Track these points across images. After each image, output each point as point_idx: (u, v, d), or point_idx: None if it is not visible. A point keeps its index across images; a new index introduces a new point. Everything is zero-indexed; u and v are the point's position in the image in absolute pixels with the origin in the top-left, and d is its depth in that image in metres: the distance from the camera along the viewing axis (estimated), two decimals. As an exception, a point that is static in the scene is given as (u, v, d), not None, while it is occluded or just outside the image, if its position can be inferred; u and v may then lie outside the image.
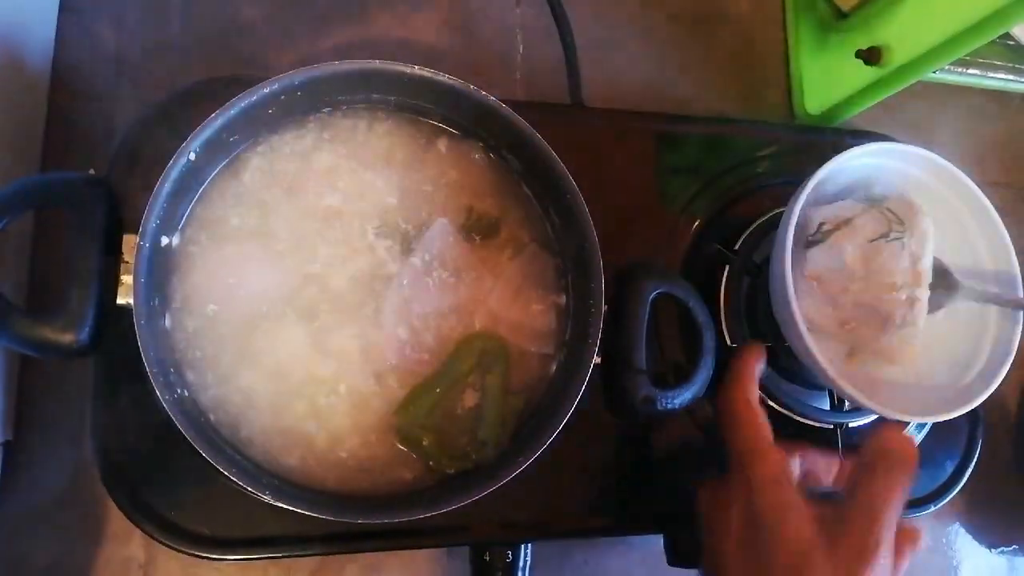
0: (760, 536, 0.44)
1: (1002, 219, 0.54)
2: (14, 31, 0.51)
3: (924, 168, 0.54)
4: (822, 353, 0.48)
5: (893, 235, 0.52)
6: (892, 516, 0.43)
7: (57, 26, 0.56)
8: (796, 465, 0.49)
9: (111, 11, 0.58)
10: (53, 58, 0.56)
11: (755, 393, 0.49)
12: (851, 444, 0.59)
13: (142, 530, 0.47)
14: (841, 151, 0.51)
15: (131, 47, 0.58)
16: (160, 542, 0.46)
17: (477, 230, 0.49)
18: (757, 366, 0.50)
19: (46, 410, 0.52)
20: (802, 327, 0.48)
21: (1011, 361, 0.51)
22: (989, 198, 0.54)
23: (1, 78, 0.49)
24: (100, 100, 0.56)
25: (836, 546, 0.42)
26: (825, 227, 0.53)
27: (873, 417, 0.58)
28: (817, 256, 0.53)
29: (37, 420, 0.52)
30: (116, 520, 0.52)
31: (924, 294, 0.51)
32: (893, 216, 0.52)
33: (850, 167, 0.52)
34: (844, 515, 0.43)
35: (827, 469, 0.51)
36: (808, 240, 0.54)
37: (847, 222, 0.53)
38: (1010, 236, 0.53)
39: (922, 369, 0.54)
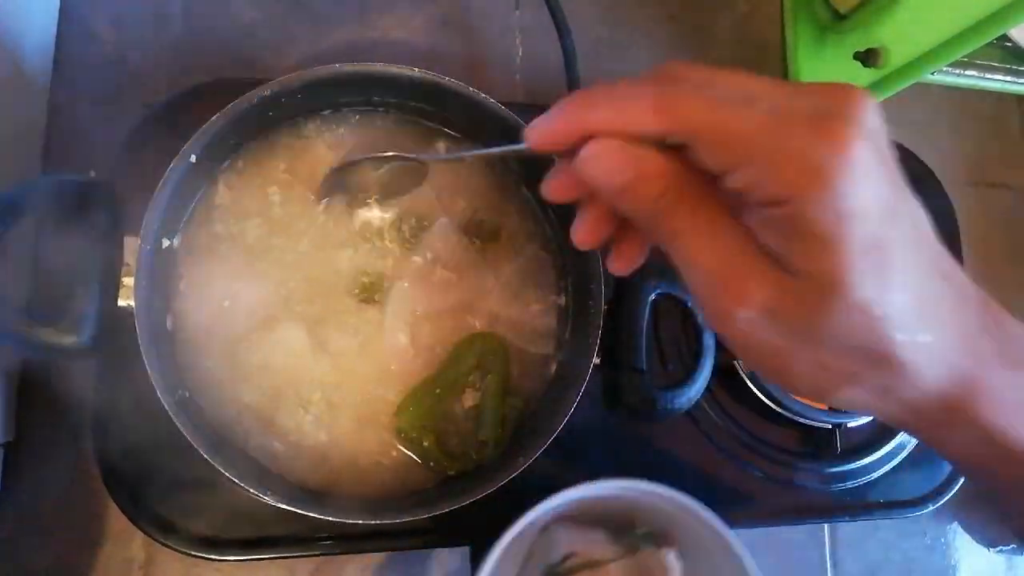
0: None
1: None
2: (14, 32, 0.51)
3: (676, 507, 0.46)
4: None
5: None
6: None
7: (57, 27, 0.56)
8: None
9: (111, 12, 0.58)
10: (54, 59, 0.56)
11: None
12: (849, 447, 0.59)
13: (142, 531, 0.47)
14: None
15: (132, 48, 0.58)
16: (160, 543, 0.47)
17: (477, 232, 0.49)
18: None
19: (47, 411, 0.52)
20: None
21: None
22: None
23: (1, 79, 0.49)
24: (101, 102, 0.56)
25: None
26: (569, 562, 0.47)
27: (871, 418, 0.58)
28: None
29: (38, 421, 0.52)
30: (116, 520, 0.52)
31: None
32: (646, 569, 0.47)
33: (602, 495, 0.45)
34: None
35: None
36: (549, 569, 0.47)
37: (596, 565, 0.47)
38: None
39: None
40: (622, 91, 0.27)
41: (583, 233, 0.32)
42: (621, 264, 0.33)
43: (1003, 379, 0.28)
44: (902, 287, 0.25)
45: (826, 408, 0.58)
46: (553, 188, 0.32)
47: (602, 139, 0.27)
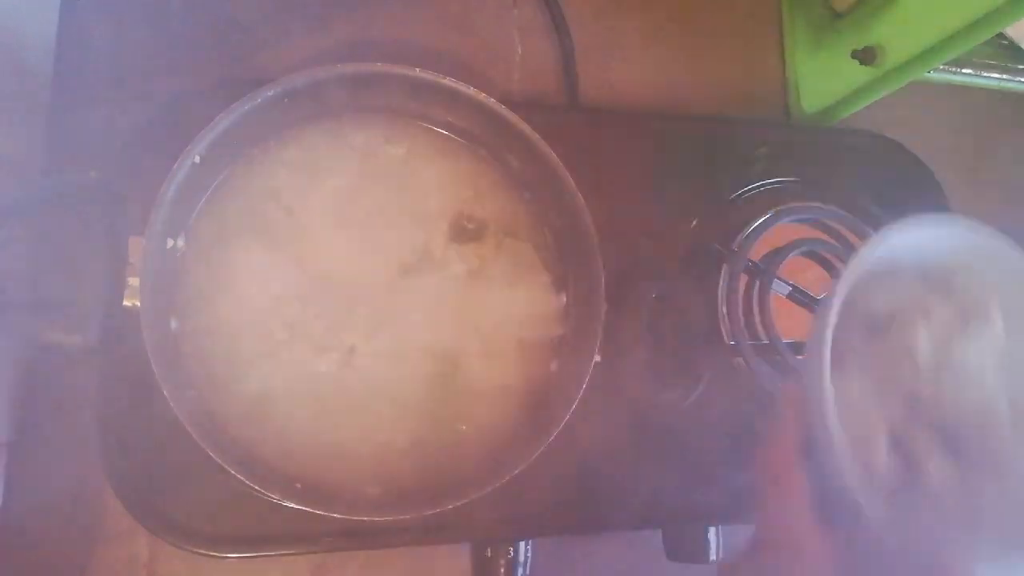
0: None
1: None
2: (15, 33, 0.51)
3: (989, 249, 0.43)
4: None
5: (972, 332, 0.43)
6: None
7: (58, 26, 0.56)
8: None
9: (112, 12, 0.58)
10: (54, 59, 0.56)
11: (795, 451, 0.36)
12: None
13: (146, 528, 0.47)
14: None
15: (133, 48, 0.58)
16: (164, 540, 0.47)
17: (476, 235, 0.50)
18: (800, 410, 0.37)
19: (51, 407, 0.52)
20: (840, 452, 0.36)
21: None
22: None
23: (2, 80, 0.49)
24: (102, 101, 0.56)
25: None
26: (890, 314, 0.43)
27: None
28: (878, 350, 0.42)
29: (42, 418, 0.52)
30: (120, 518, 0.52)
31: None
32: (971, 306, 0.43)
33: (904, 243, 0.42)
34: None
35: None
36: (869, 320, 0.44)
37: (924, 312, 0.43)
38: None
39: None
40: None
41: None
42: None
43: None
44: None
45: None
46: None
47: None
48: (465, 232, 0.50)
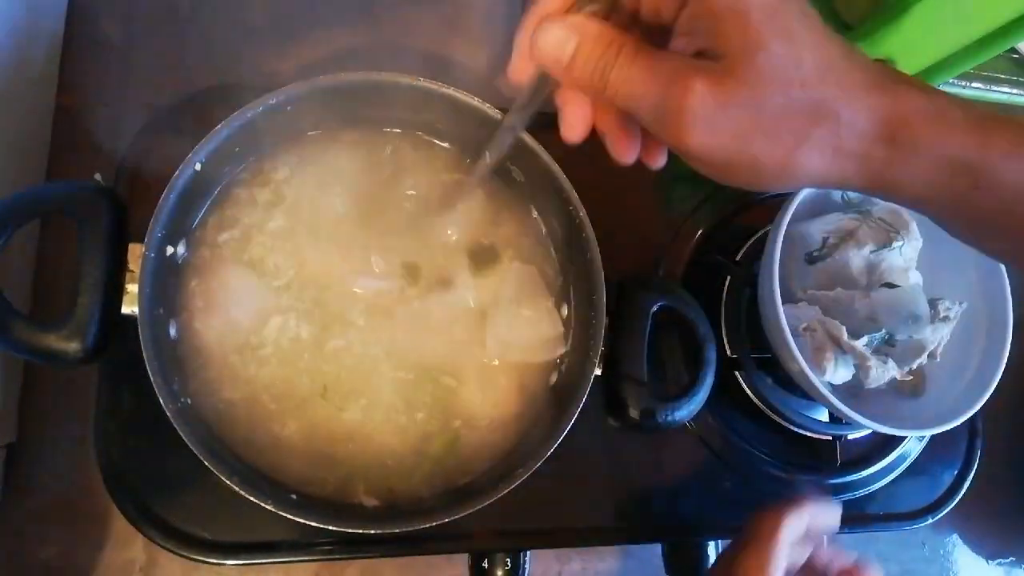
0: None
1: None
2: (22, 34, 0.51)
3: None
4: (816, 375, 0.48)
5: (895, 244, 0.54)
6: None
7: (65, 30, 0.57)
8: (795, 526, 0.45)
9: (119, 14, 0.58)
10: (60, 61, 0.56)
11: (780, 567, 0.42)
12: (850, 459, 0.59)
13: (143, 534, 0.47)
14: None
15: (139, 51, 0.58)
16: (161, 546, 0.47)
17: (480, 257, 0.49)
18: (793, 528, 0.43)
19: (49, 413, 0.52)
20: (795, 351, 0.48)
21: (1000, 372, 0.51)
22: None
23: (8, 81, 0.49)
24: (108, 104, 0.57)
25: None
26: (830, 241, 0.54)
27: (870, 431, 0.58)
28: (822, 270, 0.53)
29: (40, 423, 0.52)
30: (118, 523, 0.52)
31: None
32: (889, 226, 0.53)
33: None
34: None
35: (831, 519, 0.48)
36: (813, 256, 0.54)
37: (851, 234, 0.54)
38: None
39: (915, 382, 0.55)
40: None
41: (567, 127, 0.36)
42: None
43: (923, 102, 0.30)
44: (810, 45, 0.29)
45: (826, 420, 0.58)
46: (566, 127, 0.35)
47: (546, 22, 0.32)
48: (478, 255, 0.50)
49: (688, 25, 0.31)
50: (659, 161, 0.36)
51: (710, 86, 0.29)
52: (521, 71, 0.34)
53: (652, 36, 0.32)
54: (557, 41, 0.31)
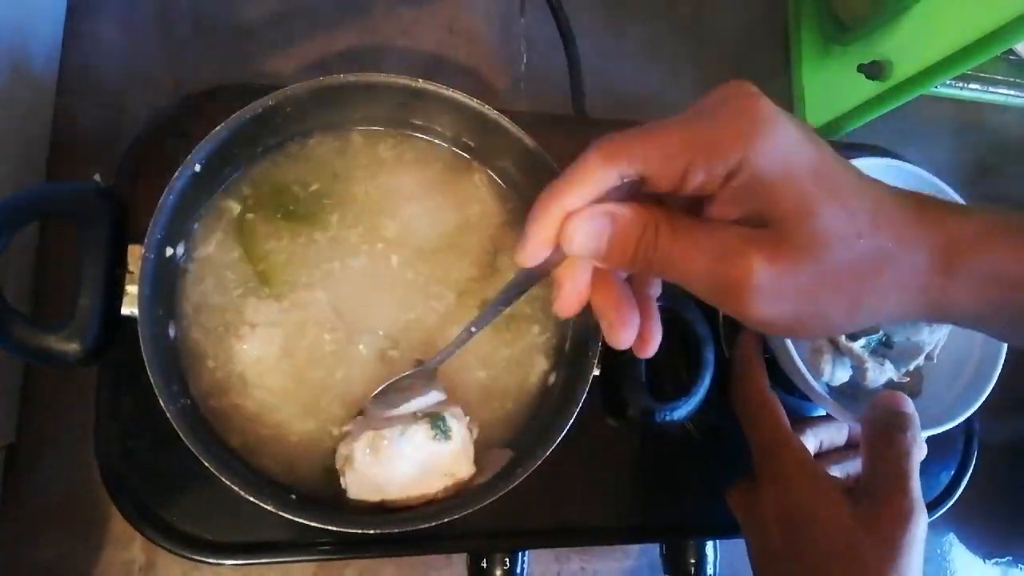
0: (801, 529, 0.44)
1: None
2: (21, 34, 0.51)
3: (918, 186, 0.53)
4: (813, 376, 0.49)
5: None
6: (917, 473, 0.44)
7: (64, 29, 0.57)
8: (811, 440, 0.51)
9: (119, 14, 0.58)
10: (60, 61, 0.56)
11: (765, 381, 0.50)
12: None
13: (143, 534, 0.47)
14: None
15: (139, 51, 0.58)
16: (160, 546, 0.47)
17: (480, 265, 0.49)
18: (759, 352, 0.51)
19: (49, 413, 0.52)
20: (793, 352, 0.48)
21: (997, 374, 0.52)
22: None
23: (8, 82, 0.49)
24: (107, 104, 0.57)
25: (875, 519, 0.42)
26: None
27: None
28: None
29: (40, 423, 0.52)
30: (117, 524, 0.52)
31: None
32: None
33: None
34: (874, 487, 0.44)
35: (838, 434, 0.53)
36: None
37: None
38: None
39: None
40: (567, 171, 0.31)
41: (563, 304, 0.35)
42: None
43: (969, 227, 0.31)
44: (857, 195, 0.30)
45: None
46: (562, 303, 0.35)
47: (575, 215, 0.31)
48: (479, 262, 0.50)
49: (733, 194, 0.30)
50: (648, 353, 0.35)
51: (768, 257, 0.29)
52: (535, 257, 0.32)
53: (684, 201, 0.32)
54: (592, 232, 0.31)
